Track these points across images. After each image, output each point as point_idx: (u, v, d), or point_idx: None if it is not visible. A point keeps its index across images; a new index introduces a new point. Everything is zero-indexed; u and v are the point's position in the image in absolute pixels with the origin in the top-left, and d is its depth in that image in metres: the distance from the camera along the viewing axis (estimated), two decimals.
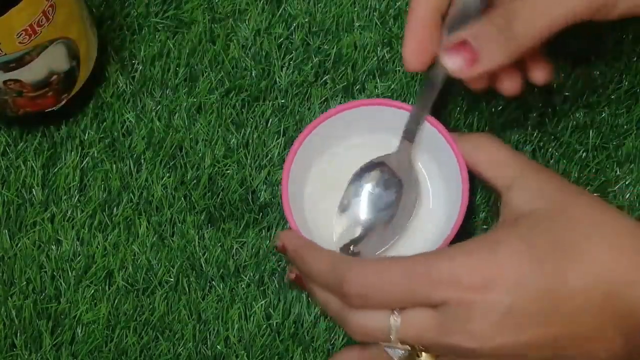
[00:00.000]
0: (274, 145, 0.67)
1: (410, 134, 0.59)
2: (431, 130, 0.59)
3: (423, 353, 0.52)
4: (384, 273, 0.50)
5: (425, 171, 0.62)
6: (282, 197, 0.59)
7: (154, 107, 0.68)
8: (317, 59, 0.68)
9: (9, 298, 0.64)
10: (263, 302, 0.64)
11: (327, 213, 0.61)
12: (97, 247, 0.65)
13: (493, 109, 0.67)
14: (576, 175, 0.65)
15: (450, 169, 0.59)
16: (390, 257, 0.53)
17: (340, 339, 0.63)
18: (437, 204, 0.61)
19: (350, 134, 0.62)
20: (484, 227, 0.64)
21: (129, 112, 0.68)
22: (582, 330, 0.49)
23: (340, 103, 0.68)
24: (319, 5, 0.70)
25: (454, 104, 0.67)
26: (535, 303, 0.48)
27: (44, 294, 0.64)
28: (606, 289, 0.48)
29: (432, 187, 0.62)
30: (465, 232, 0.59)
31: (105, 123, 0.68)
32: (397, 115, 0.60)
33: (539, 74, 0.59)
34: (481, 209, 0.65)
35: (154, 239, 0.65)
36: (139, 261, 0.65)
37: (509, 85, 0.58)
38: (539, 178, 0.54)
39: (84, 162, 0.67)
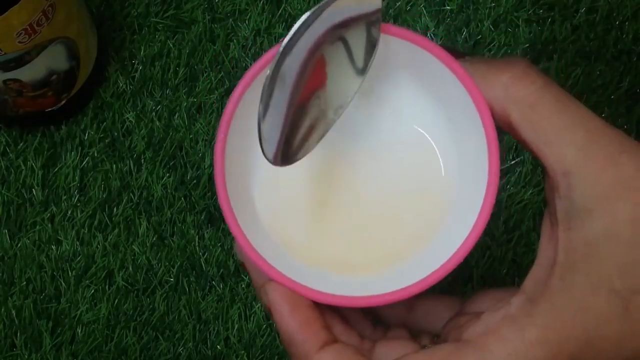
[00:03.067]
0: None
1: None
2: (437, 66, 0.39)
3: None
4: None
5: (429, 128, 0.42)
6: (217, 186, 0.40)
7: (154, 107, 0.68)
8: None
9: (9, 298, 0.64)
10: None
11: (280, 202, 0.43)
12: (97, 247, 0.65)
13: None
14: None
15: (469, 127, 0.39)
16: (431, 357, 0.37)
17: None
18: (451, 172, 0.42)
19: None
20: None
21: (129, 112, 0.68)
22: None
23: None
24: None
25: None
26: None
27: (44, 294, 0.64)
28: None
29: (439, 150, 0.42)
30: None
31: (105, 123, 0.68)
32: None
33: None
34: None
35: (154, 239, 0.65)
36: (139, 261, 0.65)
37: None
38: (612, 164, 0.36)
39: (84, 162, 0.67)
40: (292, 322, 0.38)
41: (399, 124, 0.42)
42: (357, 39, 0.38)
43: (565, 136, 0.36)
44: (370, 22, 0.38)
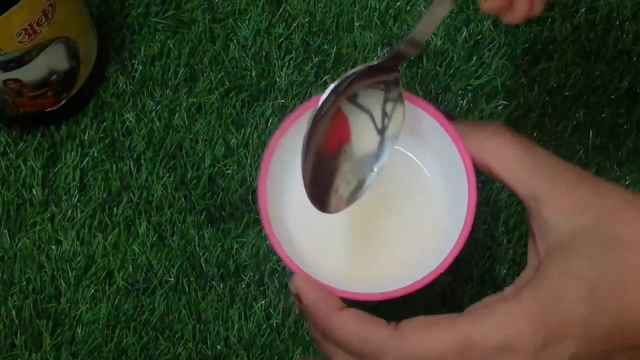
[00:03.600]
0: None
1: (412, 44, 0.49)
2: (432, 122, 0.51)
3: None
4: (434, 344, 0.45)
5: (424, 164, 0.54)
6: (260, 211, 0.50)
7: (154, 107, 0.68)
8: (317, 59, 0.68)
9: (9, 298, 0.64)
10: (263, 302, 0.64)
11: (312, 224, 0.53)
12: (97, 247, 0.65)
13: (493, 109, 0.67)
14: None
15: (455, 167, 0.50)
16: (436, 321, 0.46)
17: None
18: (440, 202, 0.53)
19: None
20: (484, 226, 0.64)
21: (129, 112, 0.68)
22: None
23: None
24: (319, 5, 0.70)
25: (454, 104, 0.67)
26: (601, 343, 0.45)
27: (44, 294, 0.64)
28: None
29: (433, 182, 0.53)
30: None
31: (105, 123, 0.68)
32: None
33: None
34: (481, 209, 0.65)
35: (154, 239, 0.65)
36: (139, 261, 0.65)
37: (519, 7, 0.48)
38: (570, 186, 0.47)
39: (84, 162, 0.67)
40: (316, 295, 0.48)
41: (403, 166, 0.53)
42: (375, 103, 0.49)
43: (532, 171, 0.47)
44: (389, 88, 0.49)
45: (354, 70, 0.48)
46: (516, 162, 0.48)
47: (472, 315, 0.46)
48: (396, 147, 0.51)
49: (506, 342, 0.45)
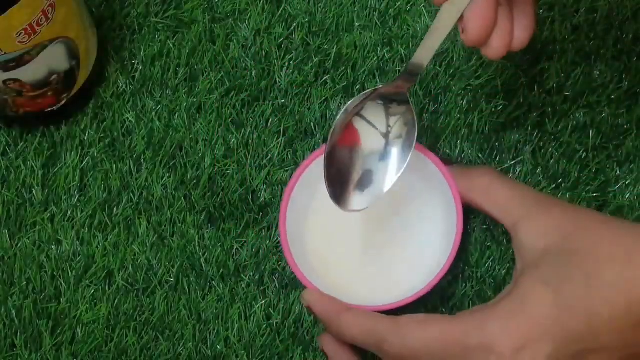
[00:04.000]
0: (274, 145, 0.67)
1: (413, 70, 0.55)
2: (426, 162, 0.61)
3: None
4: (422, 336, 0.53)
5: (420, 197, 0.63)
6: (281, 238, 0.60)
7: (154, 107, 0.68)
8: (317, 59, 0.68)
9: (9, 298, 0.64)
10: (263, 302, 0.64)
11: (329, 245, 0.63)
12: (97, 247, 0.65)
13: (493, 109, 0.67)
14: (576, 175, 0.65)
15: (447, 201, 0.61)
16: (429, 318, 0.54)
17: None
18: (434, 227, 0.63)
19: None
20: (484, 226, 0.64)
21: (129, 112, 0.68)
22: (614, 346, 0.51)
23: (340, 103, 0.68)
24: (319, 5, 0.70)
25: (454, 104, 0.67)
26: (575, 344, 0.50)
27: (44, 294, 0.64)
28: (629, 301, 0.50)
29: (428, 212, 0.63)
30: (465, 231, 0.60)
31: (105, 123, 0.68)
32: None
33: (520, 33, 0.53)
34: None
35: (154, 239, 0.65)
36: (139, 261, 0.65)
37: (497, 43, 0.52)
38: (544, 211, 0.55)
39: (84, 162, 0.67)
40: (325, 302, 0.57)
41: (405, 197, 0.63)
42: (378, 114, 0.58)
43: (513, 203, 0.56)
44: (389, 100, 0.57)
45: (364, 92, 0.57)
46: (500, 197, 0.57)
47: (459, 317, 0.53)
48: (403, 187, 0.61)
49: (486, 343, 0.51)
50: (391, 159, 0.58)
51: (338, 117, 0.57)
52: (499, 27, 0.52)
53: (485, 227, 0.65)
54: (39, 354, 0.63)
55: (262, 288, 0.64)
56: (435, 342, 0.53)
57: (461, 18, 0.51)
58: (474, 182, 0.59)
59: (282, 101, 0.68)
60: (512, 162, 0.66)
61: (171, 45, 0.69)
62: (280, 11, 0.70)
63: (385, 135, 0.58)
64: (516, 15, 0.52)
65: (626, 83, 0.67)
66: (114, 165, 0.67)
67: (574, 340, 0.50)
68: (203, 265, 0.64)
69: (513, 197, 0.57)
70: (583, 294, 0.50)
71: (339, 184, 0.58)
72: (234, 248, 0.65)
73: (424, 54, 0.54)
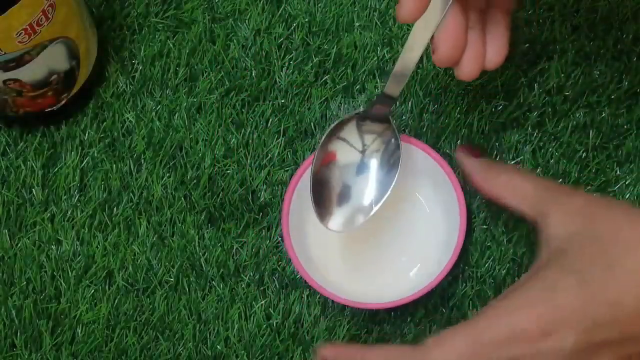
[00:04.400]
0: (274, 145, 0.67)
1: (387, 100, 0.58)
2: (430, 162, 0.62)
3: None
4: (448, 350, 0.52)
5: (423, 197, 0.65)
6: (284, 241, 0.62)
7: (154, 107, 0.68)
8: (317, 59, 0.68)
9: (9, 298, 0.64)
10: (263, 302, 0.64)
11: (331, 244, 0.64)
12: (97, 247, 0.65)
13: (493, 109, 0.67)
14: (576, 175, 0.65)
15: (449, 198, 0.62)
16: (448, 332, 0.53)
17: (340, 339, 0.63)
18: (436, 228, 0.64)
19: None
20: (484, 226, 0.64)
21: (129, 112, 0.68)
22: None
23: (340, 103, 0.68)
24: (319, 5, 0.70)
25: (454, 104, 0.67)
26: (600, 333, 0.50)
27: (44, 294, 0.64)
28: None
29: (430, 211, 0.64)
30: (466, 233, 0.60)
31: (105, 123, 0.68)
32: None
33: (493, 55, 0.55)
34: (481, 210, 0.65)
35: (154, 239, 0.65)
36: (139, 261, 0.65)
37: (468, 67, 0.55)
38: (567, 200, 0.55)
39: (84, 162, 0.67)
40: (342, 351, 0.57)
41: (406, 194, 0.65)
42: (353, 135, 0.61)
43: (538, 193, 0.56)
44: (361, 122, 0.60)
45: (343, 118, 0.60)
46: (526, 191, 0.57)
47: (480, 316, 0.52)
48: (399, 184, 0.60)
49: (511, 334, 0.50)
50: (377, 177, 0.61)
51: (322, 140, 0.60)
52: (470, 49, 0.53)
53: (485, 227, 0.65)
54: (39, 354, 0.63)
55: (262, 288, 0.64)
56: (465, 350, 0.52)
57: (432, 39, 0.53)
58: (500, 177, 0.59)
59: (282, 101, 0.68)
60: (512, 162, 0.66)
61: (171, 45, 0.69)
62: (280, 11, 0.70)
63: (366, 154, 0.61)
64: (489, 38, 0.54)
65: (626, 83, 0.67)
66: (114, 165, 0.67)
67: (598, 328, 0.50)
68: (203, 265, 0.64)
69: (537, 189, 0.57)
70: (606, 283, 0.50)
71: (326, 203, 0.60)
72: (234, 248, 0.65)
73: (395, 87, 0.57)
